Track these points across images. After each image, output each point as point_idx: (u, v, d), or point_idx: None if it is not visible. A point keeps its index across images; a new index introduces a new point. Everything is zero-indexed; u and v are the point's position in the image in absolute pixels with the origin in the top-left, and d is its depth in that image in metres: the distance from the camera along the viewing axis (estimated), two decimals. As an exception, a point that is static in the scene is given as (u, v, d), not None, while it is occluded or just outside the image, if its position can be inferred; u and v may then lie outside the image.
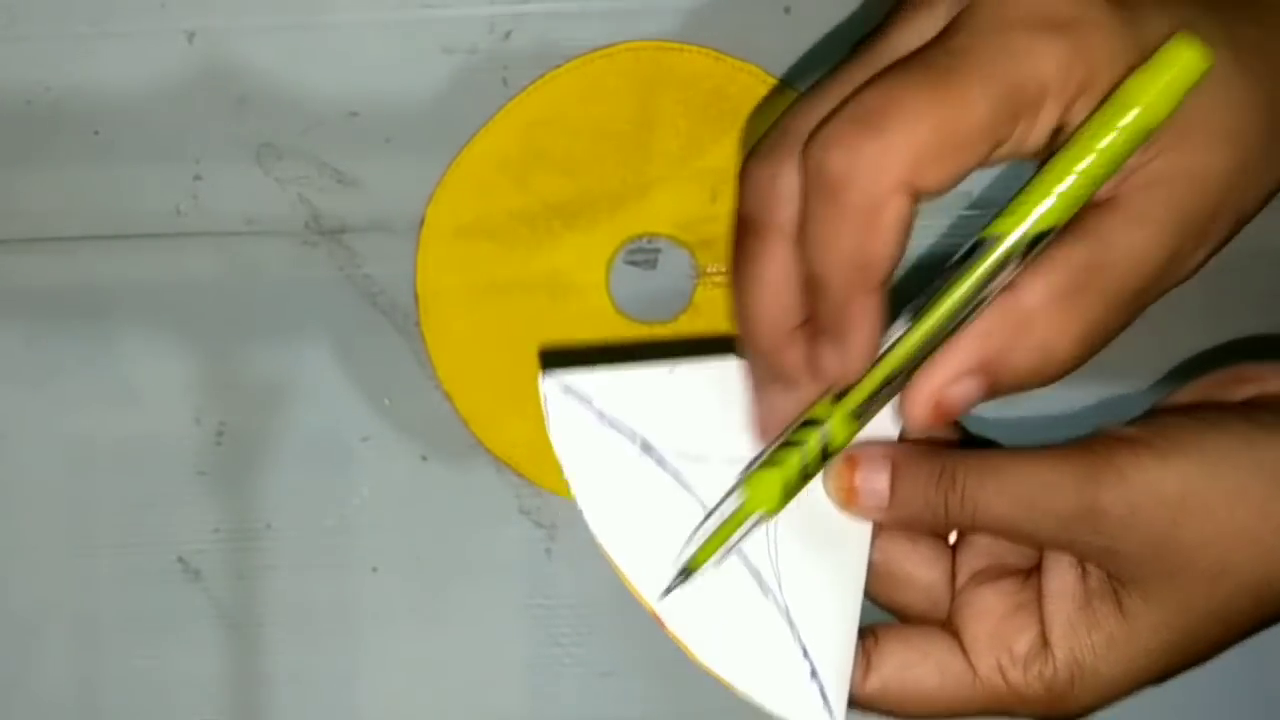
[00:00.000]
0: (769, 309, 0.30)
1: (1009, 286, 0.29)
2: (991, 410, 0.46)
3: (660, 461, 0.33)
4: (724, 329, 0.46)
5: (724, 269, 0.46)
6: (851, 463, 0.33)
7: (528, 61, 0.47)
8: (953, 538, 0.34)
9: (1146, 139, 0.27)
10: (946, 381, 0.29)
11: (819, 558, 0.33)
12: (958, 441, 0.35)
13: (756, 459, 0.33)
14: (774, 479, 0.32)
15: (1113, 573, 0.31)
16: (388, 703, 0.47)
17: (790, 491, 0.32)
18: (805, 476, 0.32)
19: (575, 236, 0.46)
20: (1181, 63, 0.26)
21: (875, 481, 0.32)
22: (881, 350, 0.30)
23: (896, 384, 0.31)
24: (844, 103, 0.28)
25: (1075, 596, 0.32)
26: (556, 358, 0.46)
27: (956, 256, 0.29)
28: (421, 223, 0.46)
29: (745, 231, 0.30)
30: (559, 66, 0.46)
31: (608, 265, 0.47)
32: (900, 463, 0.32)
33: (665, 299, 0.47)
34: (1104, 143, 0.27)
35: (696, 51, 0.46)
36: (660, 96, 0.46)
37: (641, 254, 0.47)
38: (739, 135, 0.46)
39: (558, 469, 0.33)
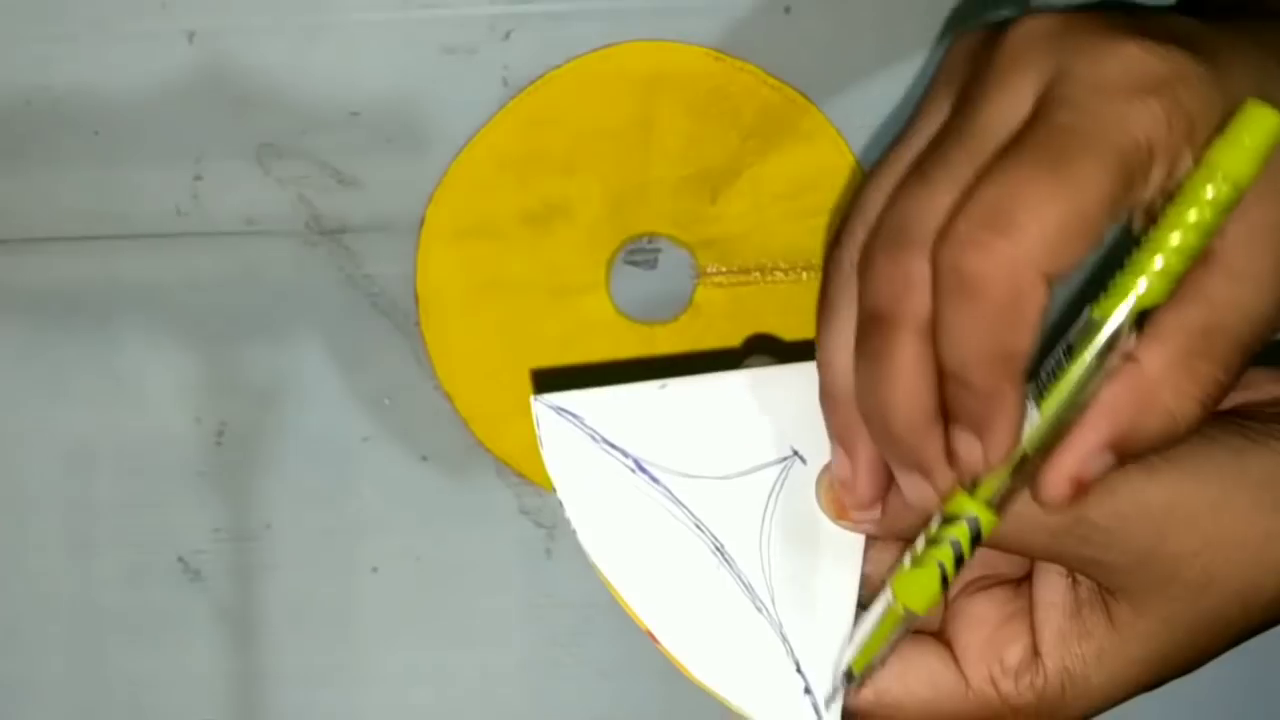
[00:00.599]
0: (910, 401, 0.29)
1: (1129, 358, 0.28)
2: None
3: (653, 480, 0.33)
4: (723, 329, 0.46)
5: (724, 269, 0.46)
6: None
7: (528, 61, 0.46)
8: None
9: (1234, 206, 0.27)
10: (1083, 460, 0.29)
11: (811, 571, 0.33)
12: None
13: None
14: (926, 579, 0.31)
15: (1102, 583, 0.31)
16: (388, 703, 0.47)
17: (943, 588, 0.31)
18: (959, 563, 0.31)
19: (575, 236, 0.46)
20: (1258, 126, 0.27)
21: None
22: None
23: (1028, 468, 0.30)
24: (964, 199, 0.28)
25: (1065, 606, 0.32)
26: (549, 378, 0.46)
27: (1069, 338, 0.29)
28: (421, 223, 0.46)
29: (878, 325, 0.29)
30: (559, 66, 0.46)
31: (608, 265, 0.47)
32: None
33: (665, 299, 0.47)
34: (1193, 218, 0.27)
35: (696, 51, 0.46)
36: (660, 96, 0.46)
37: (641, 254, 0.47)
38: (742, 140, 0.46)
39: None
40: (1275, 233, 0.28)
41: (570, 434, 0.33)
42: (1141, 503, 0.30)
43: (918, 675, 0.33)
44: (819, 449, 0.34)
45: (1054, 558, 0.31)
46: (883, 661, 0.33)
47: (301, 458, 0.47)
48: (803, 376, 0.34)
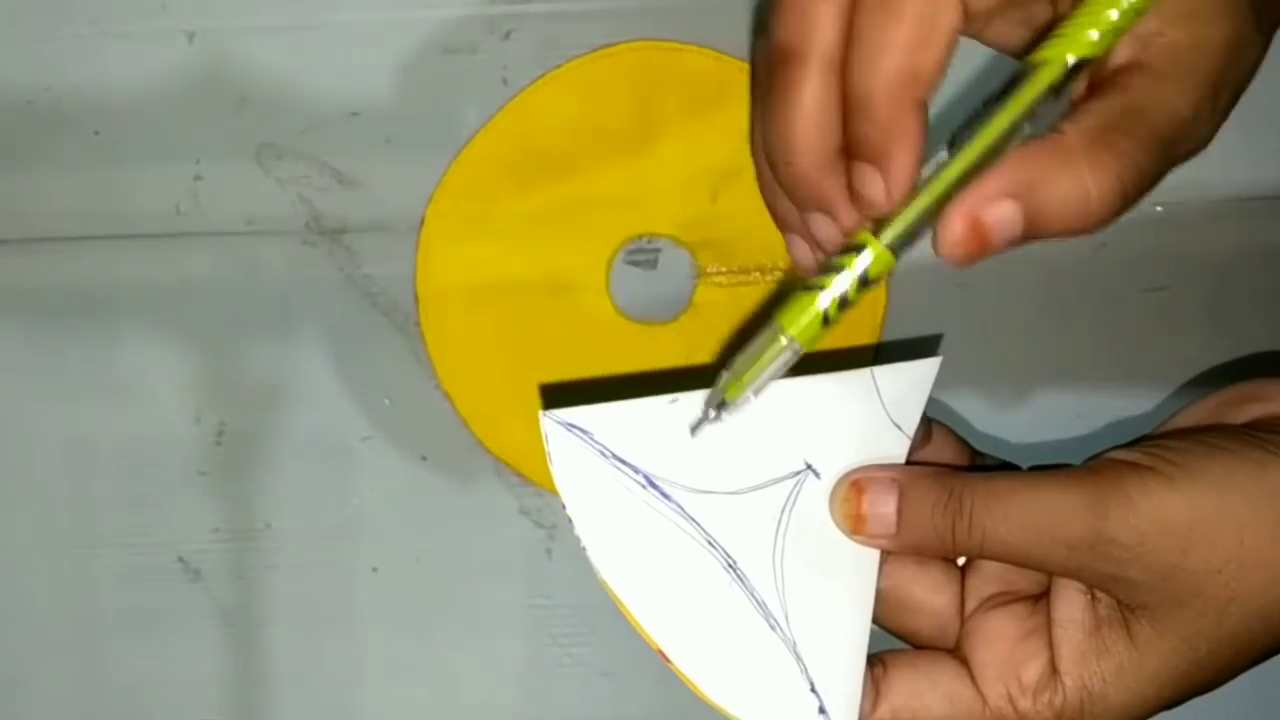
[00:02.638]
0: (812, 134, 0.30)
1: (1049, 130, 0.29)
2: (1004, 429, 0.46)
3: (664, 496, 0.33)
4: (723, 329, 0.46)
5: (724, 269, 0.46)
6: (858, 488, 0.33)
7: (528, 61, 0.46)
8: (961, 561, 0.34)
9: None
10: (985, 200, 0.29)
11: (826, 587, 0.33)
12: (967, 465, 0.35)
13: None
14: (808, 306, 0.31)
15: (1122, 600, 0.31)
16: (387, 702, 0.47)
17: (826, 321, 0.31)
18: (842, 305, 0.31)
19: (575, 236, 0.46)
20: None
21: (883, 506, 0.32)
22: (921, 180, 0.30)
23: (936, 216, 0.30)
24: None
25: (1084, 623, 0.31)
26: (557, 393, 0.46)
27: (996, 90, 0.29)
28: (421, 223, 0.46)
29: (784, 59, 0.30)
30: (559, 66, 0.46)
31: (608, 265, 0.47)
32: (907, 487, 0.32)
33: (665, 299, 0.47)
34: None
35: (696, 51, 0.46)
36: (660, 96, 0.46)
37: (641, 254, 0.47)
38: (742, 140, 0.46)
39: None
40: (1192, 51, 0.30)
41: (580, 450, 0.33)
42: (1163, 519, 0.30)
43: (935, 692, 0.32)
44: (832, 463, 0.34)
45: (1073, 574, 0.31)
46: (757, 392, 0.32)
47: (301, 458, 0.47)
48: (815, 389, 0.33)
